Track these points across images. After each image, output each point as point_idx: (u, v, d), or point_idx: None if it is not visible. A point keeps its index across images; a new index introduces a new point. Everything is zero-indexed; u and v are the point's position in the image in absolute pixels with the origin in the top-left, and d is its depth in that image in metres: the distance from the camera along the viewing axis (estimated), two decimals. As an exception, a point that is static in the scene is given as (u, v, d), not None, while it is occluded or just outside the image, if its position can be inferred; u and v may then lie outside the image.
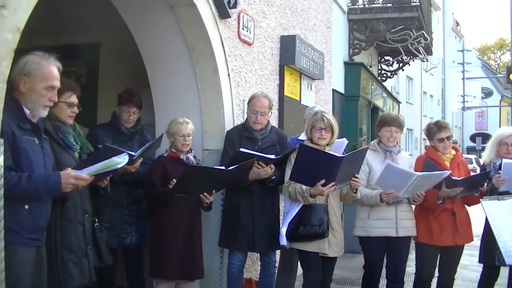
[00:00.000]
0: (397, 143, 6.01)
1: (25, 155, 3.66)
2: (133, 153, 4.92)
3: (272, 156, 5.67)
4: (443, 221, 5.85)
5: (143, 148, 5.20)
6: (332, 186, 5.13)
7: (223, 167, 5.37)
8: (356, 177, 5.31)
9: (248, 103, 6.10)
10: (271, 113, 6.13)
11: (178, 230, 5.61)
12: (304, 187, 5.27)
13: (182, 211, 5.61)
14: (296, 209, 5.43)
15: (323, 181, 5.10)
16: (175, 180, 5.24)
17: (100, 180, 4.41)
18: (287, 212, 5.58)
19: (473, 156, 34.94)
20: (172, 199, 5.38)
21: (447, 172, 5.51)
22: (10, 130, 3.58)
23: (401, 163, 5.79)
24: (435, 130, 6.02)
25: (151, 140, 5.68)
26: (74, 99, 4.46)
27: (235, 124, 6.52)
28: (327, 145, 5.52)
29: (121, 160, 3.96)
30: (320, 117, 5.51)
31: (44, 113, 3.83)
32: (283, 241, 5.51)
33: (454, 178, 5.64)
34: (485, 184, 5.85)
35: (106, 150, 4.39)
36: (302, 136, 6.63)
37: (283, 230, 5.49)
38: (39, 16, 4.19)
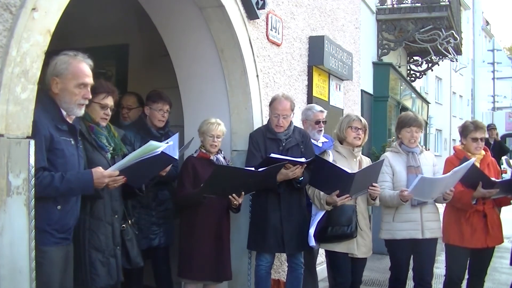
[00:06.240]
0: (420, 144, 5.95)
1: (62, 156, 3.68)
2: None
3: (303, 159, 5.64)
4: (475, 223, 5.77)
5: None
6: (346, 197, 5.24)
7: (252, 168, 5.34)
8: (374, 186, 5.35)
9: (270, 105, 6.04)
10: (293, 113, 6.07)
11: (207, 232, 5.60)
12: (321, 193, 5.39)
13: (212, 213, 5.60)
14: (323, 211, 5.46)
15: (337, 192, 5.22)
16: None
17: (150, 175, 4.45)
18: (315, 213, 5.58)
19: (503, 157, 34.45)
20: (201, 200, 5.35)
21: (472, 161, 5.40)
22: (48, 131, 3.59)
23: (424, 163, 5.75)
24: (471, 128, 5.92)
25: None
26: (108, 101, 4.41)
27: (264, 125, 6.49)
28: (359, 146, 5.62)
29: (160, 144, 3.92)
30: (356, 118, 5.63)
31: (80, 112, 3.83)
32: (312, 242, 5.52)
33: (492, 179, 5.57)
34: None
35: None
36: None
37: (311, 231, 5.50)
38: (68, 18, 4.22)
